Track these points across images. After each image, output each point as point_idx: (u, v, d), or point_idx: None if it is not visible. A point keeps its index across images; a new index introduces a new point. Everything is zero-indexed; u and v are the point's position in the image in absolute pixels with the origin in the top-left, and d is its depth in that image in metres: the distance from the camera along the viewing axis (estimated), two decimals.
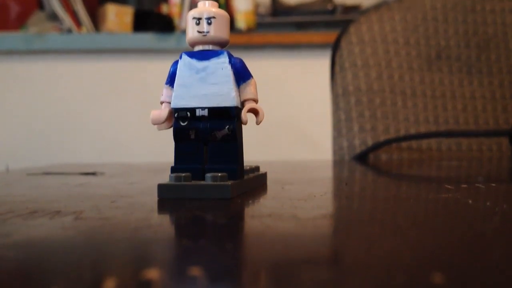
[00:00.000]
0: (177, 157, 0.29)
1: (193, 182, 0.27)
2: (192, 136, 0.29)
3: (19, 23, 1.57)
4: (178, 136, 0.29)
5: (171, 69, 0.30)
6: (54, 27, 1.55)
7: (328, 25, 1.62)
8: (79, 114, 1.58)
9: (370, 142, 0.71)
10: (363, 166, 0.59)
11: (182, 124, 0.29)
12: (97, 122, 1.58)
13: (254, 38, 1.57)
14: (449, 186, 0.32)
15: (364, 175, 0.49)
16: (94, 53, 1.58)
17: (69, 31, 1.55)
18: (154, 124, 0.30)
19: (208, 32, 0.28)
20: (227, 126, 0.29)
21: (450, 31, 0.77)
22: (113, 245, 0.18)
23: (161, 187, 0.27)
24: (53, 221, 0.21)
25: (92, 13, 1.60)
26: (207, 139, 0.29)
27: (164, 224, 0.22)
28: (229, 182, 0.27)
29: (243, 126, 0.29)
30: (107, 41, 1.56)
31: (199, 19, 0.29)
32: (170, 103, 0.29)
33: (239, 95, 0.29)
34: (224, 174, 0.27)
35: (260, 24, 1.62)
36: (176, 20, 1.58)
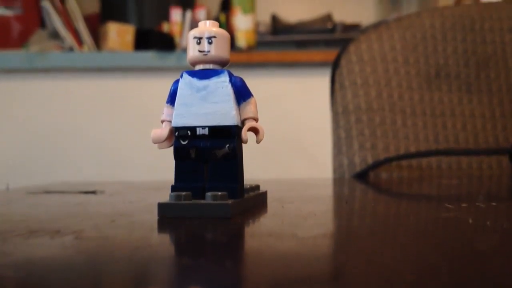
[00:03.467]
0: (177, 175, 0.29)
1: (193, 201, 0.27)
2: (193, 155, 0.29)
3: (21, 41, 1.58)
4: (179, 155, 0.29)
5: (172, 88, 0.30)
6: (55, 46, 1.56)
7: (328, 43, 1.63)
8: (80, 132, 1.58)
9: (370, 160, 0.71)
10: (363, 184, 0.59)
11: (182, 142, 0.29)
12: (97, 140, 1.58)
13: (254, 56, 1.57)
14: (450, 205, 0.32)
15: (364, 193, 0.49)
16: (95, 72, 1.58)
17: (71, 49, 1.56)
18: (155, 143, 0.30)
19: (209, 51, 0.29)
20: (228, 145, 0.29)
21: (449, 50, 0.78)
22: (113, 265, 0.18)
23: (161, 206, 0.27)
24: (53, 240, 0.21)
25: (93, 31, 1.61)
26: (208, 158, 0.29)
27: (164, 243, 0.22)
28: (229, 201, 0.27)
29: (243, 144, 0.29)
30: (108, 60, 1.57)
31: (200, 38, 0.29)
32: (170, 122, 0.29)
33: (240, 114, 0.29)
34: (224, 193, 0.27)
35: (260, 43, 1.62)
36: (177, 39, 1.59)
